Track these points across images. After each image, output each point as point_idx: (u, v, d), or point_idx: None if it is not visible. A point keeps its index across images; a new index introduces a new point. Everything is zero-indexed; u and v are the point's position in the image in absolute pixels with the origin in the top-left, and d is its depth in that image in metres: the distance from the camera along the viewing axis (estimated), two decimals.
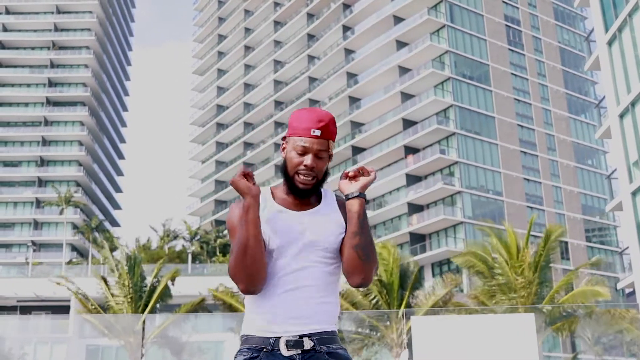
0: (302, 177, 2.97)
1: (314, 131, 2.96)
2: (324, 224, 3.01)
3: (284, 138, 3.07)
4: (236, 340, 28.64)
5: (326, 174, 3.05)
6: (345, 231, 3.02)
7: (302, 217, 3.00)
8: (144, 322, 28.79)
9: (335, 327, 3.06)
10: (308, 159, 2.95)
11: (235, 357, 2.97)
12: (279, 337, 2.91)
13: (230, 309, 30.25)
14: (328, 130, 2.98)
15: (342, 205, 3.09)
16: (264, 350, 2.92)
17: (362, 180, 3.04)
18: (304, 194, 2.99)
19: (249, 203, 2.84)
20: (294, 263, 2.95)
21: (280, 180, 3.07)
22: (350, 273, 2.96)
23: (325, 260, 2.99)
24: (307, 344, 2.91)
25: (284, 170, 3.02)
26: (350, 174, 3.05)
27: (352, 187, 3.03)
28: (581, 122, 74.93)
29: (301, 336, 2.91)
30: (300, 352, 2.91)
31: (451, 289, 27.86)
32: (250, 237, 2.83)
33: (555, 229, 28.65)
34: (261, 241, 2.85)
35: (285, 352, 2.90)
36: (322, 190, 3.12)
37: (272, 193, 3.08)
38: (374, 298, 28.26)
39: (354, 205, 2.98)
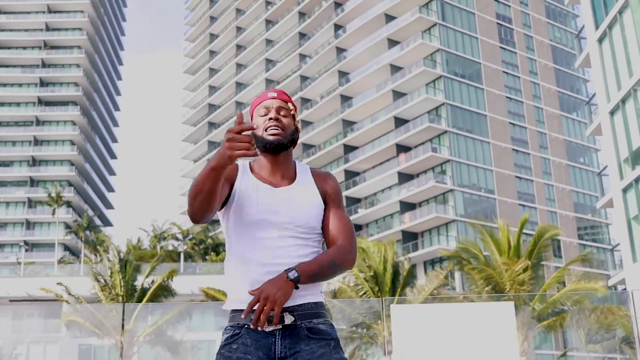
0: (270, 130, 3.08)
1: (270, 94, 3.17)
2: (300, 201, 3.09)
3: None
4: None
5: (294, 136, 3.16)
6: (325, 209, 3.15)
7: (278, 193, 3.08)
8: (135, 320, 28.76)
9: (320, 298, 3.09)
10: (272, 113, 3.12)
11: (222, 335, 3.05)
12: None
13: (220, 307, 30.25)
14: (283, 94, 3.19)
15: (320, 179, 3.20)
16: (245, 326, 2.99)
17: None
18: (277, 147, 3.08)
19: (220, 164, 2.75)
20: (271, 240, 3.01)
21: None
22: None
23: (302, 236, 3.06)
24: (288, 318, 2.96)
25: (255, 138, 3.11)
26: None
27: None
28: (573, 120, 75.11)
29: (282, 311, 2.95)
30: (280, 327, 2.96)
31: (440, 284, 27.87)
32: (205, 187, 2.81)
33: (549, 229, 28.72)
34: (214, 194, 2.84)
35: (265, 327, 2.96)
36: (297, 164, 3.22)
37: (251, 167, 3.19)
38: (365, 293, 28.30)
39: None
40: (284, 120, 3.13)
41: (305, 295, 3.01)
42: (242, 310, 2.99)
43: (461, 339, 14.92)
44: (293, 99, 68.17)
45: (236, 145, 2.69)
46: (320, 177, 3.21)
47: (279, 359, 2.95)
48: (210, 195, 2.83)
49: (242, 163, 3.17)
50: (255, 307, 2.86)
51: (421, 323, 15.05)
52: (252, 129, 2.73)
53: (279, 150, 3.10)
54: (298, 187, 3.13)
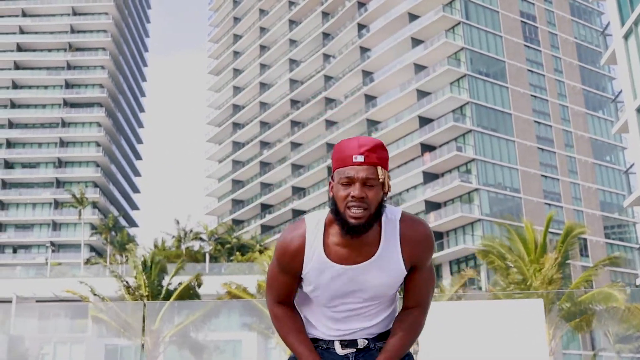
0: (352, 210, 2.62)
1: (355, 157, 2.64)
2: (380, 279, 2.78)
3: (330, 182, 2.76)
4: (253, 337, 28.67)
5: (381, 208, 2.70)
6: (408, 274, 2.86)
7: (353, 274, 2.76)
8: (161, 321, 28.85)
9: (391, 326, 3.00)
10: (355, 189, 2.62)
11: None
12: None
13: (246, 306, 30.23)
14: (373, 154, 2.65)
15: (408, 242, 2.78)
16: (320, 348, 2.95)
17: None
18: (357, 230, 2.64)
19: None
20: (349, 313, 2.90)
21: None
22: None
23: (384, 305, 2.94)
24: (361, 342, 2.92)
25: (335, 210, 2.68)
26: None
27: None
28: (599, 117, 74.46)
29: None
30: (354, 350, 2.92)
31: (464, 283, 27.69)
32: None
33: (576, 227, 28.46)
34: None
35: (339, 351, 2.91)
36: (385, 217, 2.77)
37: (325, 233, 2.78)
38: None
39: None
40: (370, 194, 2.64)
41: (377, 330, 2.96)
42: (320, 341, 2.96)
43: (488, 337, 14.74)
44: (317, 99, 67.91)
45: None
46: (410, 240, 2.77)
47: None
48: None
49: (313, 229, 2.77)
50: None
51: (447, 321, 14.91)
52: None
53: (359, 234, 2.66)
54: (379, 262, 2.75)
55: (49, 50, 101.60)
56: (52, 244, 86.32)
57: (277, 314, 2.92)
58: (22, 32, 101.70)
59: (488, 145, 64.09)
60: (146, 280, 31.78)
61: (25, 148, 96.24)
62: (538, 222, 54.66)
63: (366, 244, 2.72)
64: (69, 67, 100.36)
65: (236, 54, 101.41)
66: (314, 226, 2.77)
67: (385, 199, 2.72)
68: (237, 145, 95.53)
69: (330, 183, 2.74)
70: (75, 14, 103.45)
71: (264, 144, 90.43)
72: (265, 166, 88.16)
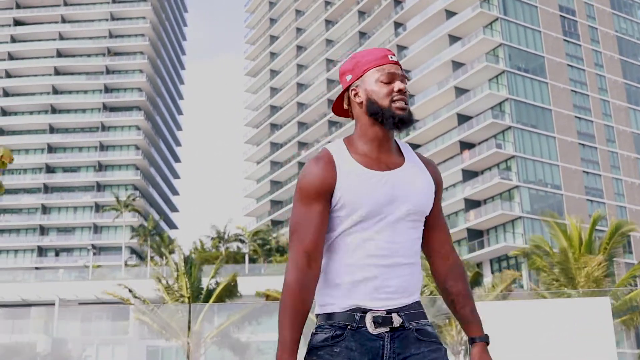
0: (398, 103, 2.67)
1: (390, 57, 2.74)
2: (415, 185, 2.70)
3: (346, 89, 2.76)
4: None
5: None
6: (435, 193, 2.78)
7: (390, 178, 2.67)
8: (202, 322, 28.89)
9: (419, 296, 2.75)
10: (398, 84, 2.70)
11: (314, 334, 2.66)
12: (365, 313, 2.61)
13: None
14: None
15: (427, 163, 2.82)
16: (349, 327, 2.61)
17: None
18: (408, 121, 2.68)
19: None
20: (384, 234, 2.64)
21: None
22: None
23: (415, 225, 2.71)
24: (396, 320, 2.61)
25: (375, 109, 2.68)
26: None
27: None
28: None
29: (389, 311, 2.62)
30: (388, 329, 2.61)
31: (509, 284, 27.32)
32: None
33: (624, 224, 27.99)
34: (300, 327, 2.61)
35: (372, 329, 2.60)
36: (398, 142, 2.82)
37: (347, 147, 2.72)
38: (430, 294, 27.88)
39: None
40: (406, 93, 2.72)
41: (410, 293, 2.69)
42: (349, 311, 2.63)
43: (549, 338, 14.24)
44: None
45: None
46: (427, 162, 2.84)
47: None
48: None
49: (336, 148, 2.71)
50: None
51: (496, 321, 14.47)
52: None
53: (405, 127, 2.71)
54: (411, 169, 2.74)
55: (88, 56, 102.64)
56: (94, 246, 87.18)
57: (299, 277, 2.60)
58: (61, 38, 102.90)
59: (528, 141, 63.42)
60: (187, 282, 31.87)
61: (66, 152, 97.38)
62: (580, 219, 53.98)
63: (393, 153, 2.74)
64: (108, 71, 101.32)
65: (273, 55, 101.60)
66: (336, 147, 2.71)
67: None
68: (275, 146, 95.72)
69: (353, 89, 2.72)
70: (113, 19, 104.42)
71: (302, 145, 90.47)
72: (302, 167, 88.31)
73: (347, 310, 2.62)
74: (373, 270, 2.62)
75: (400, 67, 2.75)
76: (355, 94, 2.72)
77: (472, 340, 2.77)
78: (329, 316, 2.65)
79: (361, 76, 2.72)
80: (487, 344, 2.73)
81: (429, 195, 2.73)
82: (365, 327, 2.60)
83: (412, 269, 2.68)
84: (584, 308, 14.68)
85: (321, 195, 2.63)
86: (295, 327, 2.58)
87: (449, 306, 2.82)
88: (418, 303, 2.71)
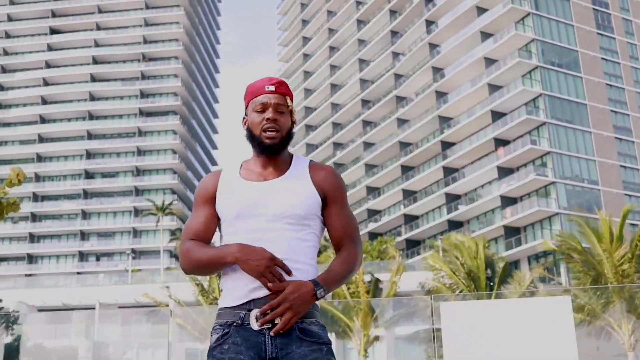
0: (267, 132, 3.00)
1: (267, 87, 3.03)
2: (289, 192, 2.97)
3: (244, 119, 3.13)
4: (330, 339, 28.75)
5: (290, 133, 3.07)
6: (326, 207, 3.04)
7: (263, 187, 2.98)
8: None
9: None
10: (269, 113, 3.00)
11: (211, 335, 2.96)
12: (249, 311, 2.86)
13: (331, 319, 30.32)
14: (282, 86, 3.05)
15: (316, 173, 3.06)
16: (234, 324, 2.87)
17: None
18: (272, 149, 3.00)
19: (240, 267, 2.86)
20: (256, 234, 2.91)
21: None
22: None
23: (292, 227, 2.93)
24: (278, 317, 2.83)
25: (250, 136, 3.05)
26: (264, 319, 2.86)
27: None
28: None
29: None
30: (270, 325, 2.83)
31: (533, 280, 27.25)
32: (207, 270, 2.97)
33: None
34: (212, 272, 2.98)
35: (254, 325, 2.84)
36: (296, 158, 3.11)
37: (242, 165, 3.12)
38: (461, 291, 27.92)
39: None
40: (281, 119, 3.02)
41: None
42: (233, 307, 2.91)
43: (513, 336, 14.16)
44: (387, 98, 67.96)
45: (269, 277, 2.80)
46: (317, 171, 3.06)
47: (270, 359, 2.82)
48: (207, 273, 3.02)
49: (231, 166, 3.15)
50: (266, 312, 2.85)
51: (470, 319, 14.44)
52: (282, 288, 2.81)
53: (275, 153, 3.01)
54: (288, 179, 3.01)
55: (124, 62, 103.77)
56: (133, 251, 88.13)
57: (188, 246, 2.99)
58: (97, 45, 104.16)
59: (563, 137, 62.94)
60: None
61: (105, 158, 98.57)
62: (618, 213, 53.49)
63: (278, 169, 3.04)
64: (143, 77, 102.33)
65: (306, 56, 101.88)
66: (232, 165, 3.14)
67: (293, 129, 3.09)
68: (310, 147, 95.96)
69: (244, 119, 3.11)
70: (147, 24, 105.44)
71: (337, 145, 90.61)
72: (338, 167, 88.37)
73: (233, 308, 2.91)
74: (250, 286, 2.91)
75: (286, 95, 3.06)
76: (245, 122, 3.11)
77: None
78: (219, 316, 2.96)
79: (247, 107, 3.11)
80: (316, 285, 2.87)
81: (305, 201, 2.95)
82: (249, 323, 2.85)
83: (292, 267, 2.90)
84: (543, 307, 14.58)
85: (207, 201, 3.05)
86: (206, 249, 2.96)
87: None
88: None
